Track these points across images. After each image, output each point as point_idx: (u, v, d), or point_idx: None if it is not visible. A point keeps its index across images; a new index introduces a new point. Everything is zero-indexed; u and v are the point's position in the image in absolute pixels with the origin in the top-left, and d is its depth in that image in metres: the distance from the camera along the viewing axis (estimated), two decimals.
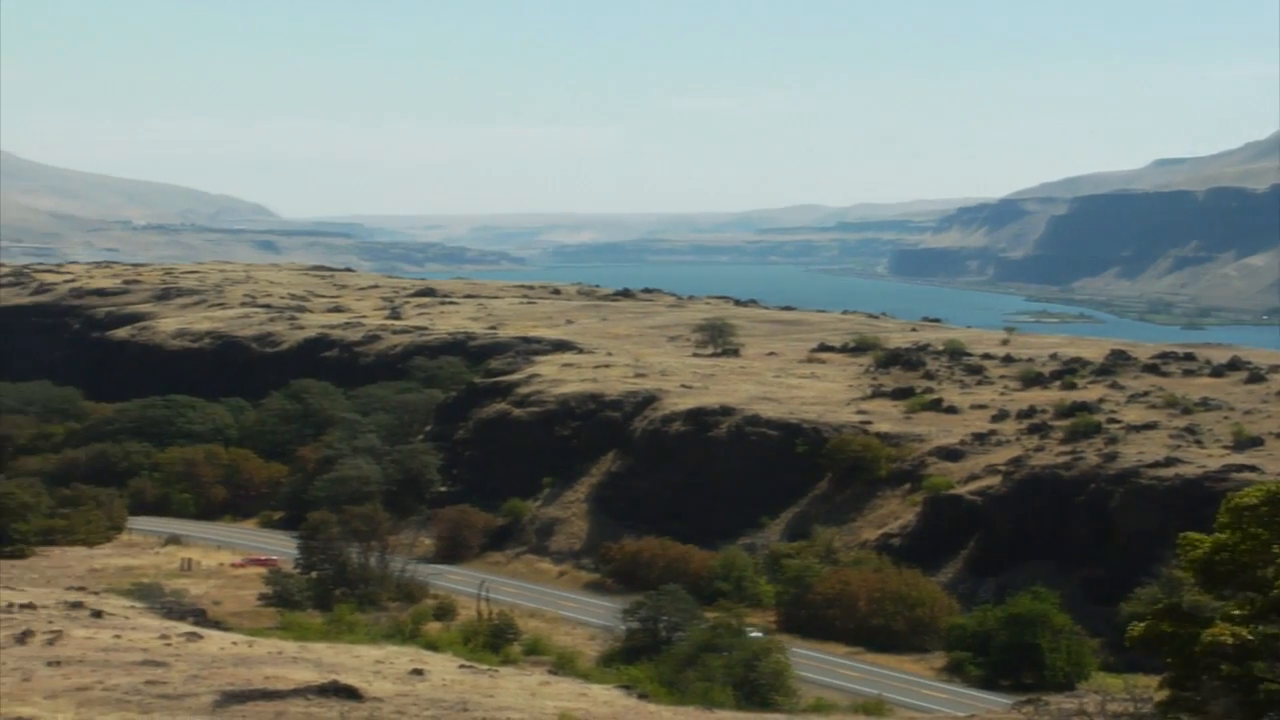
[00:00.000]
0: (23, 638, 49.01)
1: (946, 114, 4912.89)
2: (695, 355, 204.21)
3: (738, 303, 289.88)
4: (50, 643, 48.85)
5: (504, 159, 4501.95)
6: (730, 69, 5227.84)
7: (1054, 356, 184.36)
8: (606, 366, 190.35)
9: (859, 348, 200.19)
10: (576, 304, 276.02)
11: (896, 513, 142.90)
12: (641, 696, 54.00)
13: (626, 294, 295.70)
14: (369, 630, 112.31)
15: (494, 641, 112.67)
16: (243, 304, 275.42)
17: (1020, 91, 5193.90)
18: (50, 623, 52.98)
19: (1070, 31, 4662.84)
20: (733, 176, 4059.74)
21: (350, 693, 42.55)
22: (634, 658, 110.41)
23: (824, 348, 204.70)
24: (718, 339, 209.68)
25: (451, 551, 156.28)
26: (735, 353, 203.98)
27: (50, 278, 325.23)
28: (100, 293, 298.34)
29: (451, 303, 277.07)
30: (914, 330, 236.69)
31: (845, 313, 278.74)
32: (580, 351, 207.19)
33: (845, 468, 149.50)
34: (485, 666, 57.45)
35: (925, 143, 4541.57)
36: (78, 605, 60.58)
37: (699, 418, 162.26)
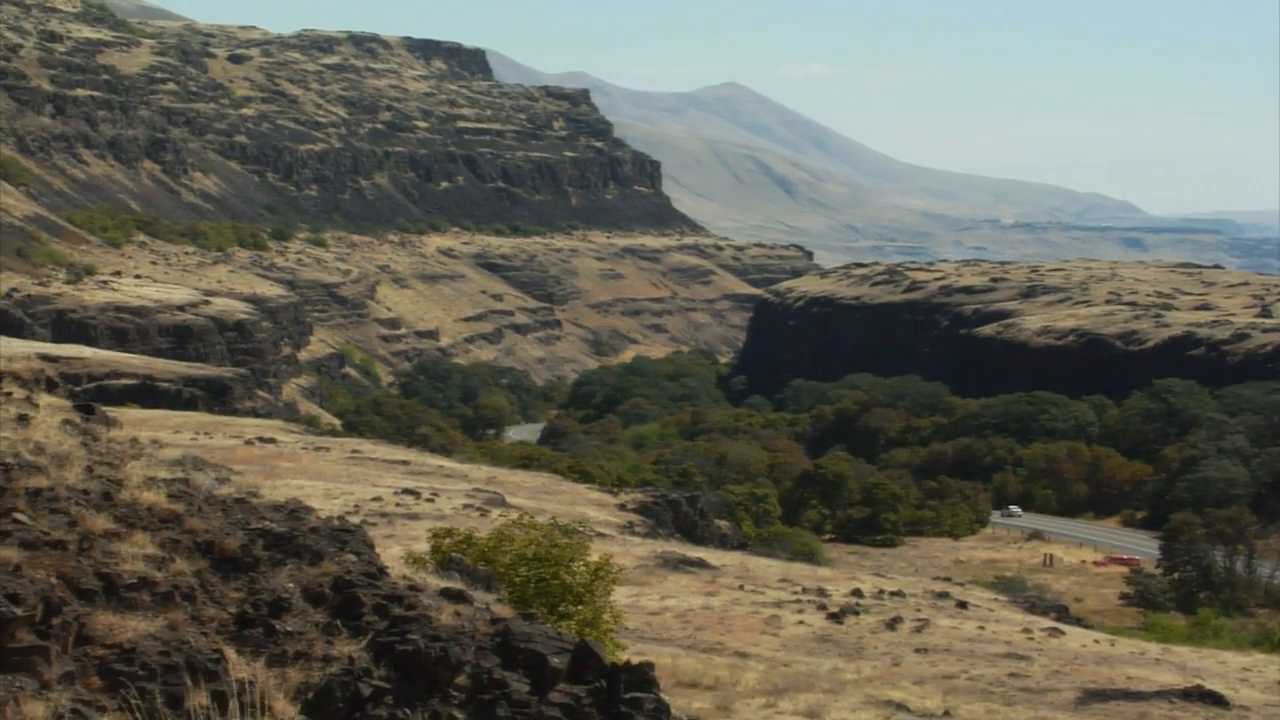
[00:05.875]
0: (892, 624, 51.11)
1: None
2: None
3: None
4: (917, 630, 50.65)
5: None
6: None
7: None
8: None
9: None
10: None
11: None
12: None
13: None
14: (1234, 636, 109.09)
15: None
16: (1107, 301, 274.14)
17: None
18: (918, 611, 54.95)
19: None
20: None
21: (1215, 699, 41.72)
22: None
23: None
24: None
25: None
26: None
27: (920, 275, 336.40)
28: (968, 290, 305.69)
29: None
30: None
31: None
32: None
33: None
34: None
35: None
36: (944, 595, 62.38)
37: None
